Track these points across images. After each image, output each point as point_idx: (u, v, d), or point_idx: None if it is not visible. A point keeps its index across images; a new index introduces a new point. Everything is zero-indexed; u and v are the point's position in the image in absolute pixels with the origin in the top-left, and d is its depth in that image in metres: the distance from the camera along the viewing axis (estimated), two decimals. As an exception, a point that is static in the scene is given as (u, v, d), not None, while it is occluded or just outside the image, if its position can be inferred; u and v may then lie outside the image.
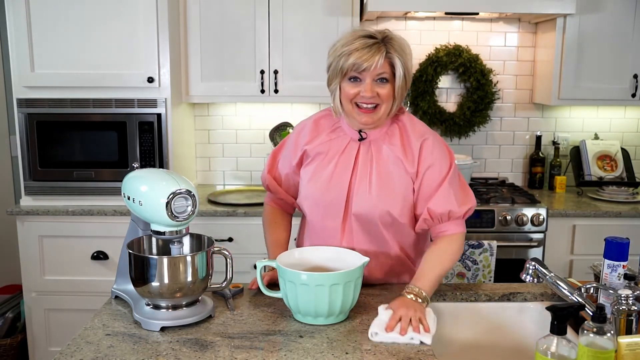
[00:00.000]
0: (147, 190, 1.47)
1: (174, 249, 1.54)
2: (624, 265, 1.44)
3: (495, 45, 3.37)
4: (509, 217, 2.87)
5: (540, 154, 3.38)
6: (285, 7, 2.98)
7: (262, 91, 3.04)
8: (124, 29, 2.77)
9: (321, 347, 1.36)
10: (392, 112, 1.66)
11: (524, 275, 1.69)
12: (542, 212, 2.88)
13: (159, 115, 2.83)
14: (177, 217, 1.45)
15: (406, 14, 3.23)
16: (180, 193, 1.44)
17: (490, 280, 2.77)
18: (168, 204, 1.43)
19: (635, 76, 3.05)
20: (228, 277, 1.58)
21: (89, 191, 2.87)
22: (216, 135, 3.42)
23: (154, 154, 2.84)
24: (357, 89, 1.61)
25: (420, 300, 1.47)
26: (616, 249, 1.43)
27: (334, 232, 1.71)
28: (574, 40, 3.02)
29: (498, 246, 2.78)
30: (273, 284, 1.65)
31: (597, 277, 1.64)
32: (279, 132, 3.33)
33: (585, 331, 1.17)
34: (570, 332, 1.33)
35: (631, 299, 1.31)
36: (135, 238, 1.59)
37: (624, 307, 1.31)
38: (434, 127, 3.34)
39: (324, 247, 1.65)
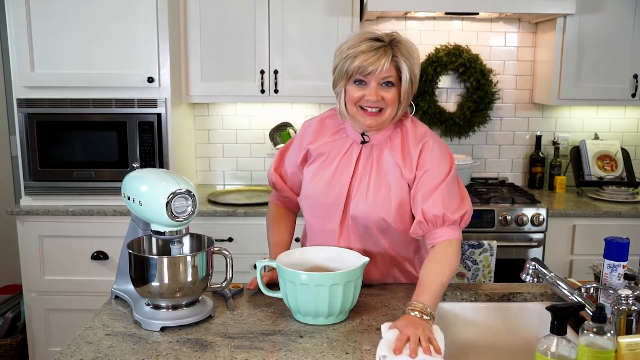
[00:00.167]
0: (147, 190, 1.47)
1: (174, 249, 1.54)
2: (624, 265, 1.43)
3: (495, 45, 3.37)
4: (509, 217, 2.87)
5: (540, 154, 3.38)
6: (285, 7, 2.98)
7: (262, 91, 3.04)
8: (124, 29, 2.77)
9: (321, 347, 1.36)
10: (397, 117, 1.64)
11: (524, 275, 1.69)
12: (542, 212, 2.88)
13: (159, 115, 2.83)
14: (177, 217, 1.45)
15: (406, 14, 3.23)
16: (180, 193, 1.44)
17: (490, 280, 2.77)
18: (168, 204, 1.43)
19: (635, 76, 3.05)
20: (228, 277, 1.58)
21: (89, 191, 2.87)
22: (216, 135, 3.42)
23: (154, 154, 2.84)
24: (362, 92, 1.59)
25: (426, 317, 1.39)
26: (616, 249, 1.43)
27: (332, 234, 1.71)
28: (574, 40, 3.02)
29: (498, 246, 2.78)
30: (273, 284, 1.65)
31: (597, 277, 1.64)
32: (279, 132, 3.33)
33: (585, 331, 1.17)
34: (570, 332, 1.33)
35: (631, 299, 1.31)
36: (135, 238, 1.59)
37: (624, 307, 1.31)
38: (433, 127, 3.34)
39: (324, 247, 1.65)
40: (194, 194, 1.47)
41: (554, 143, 3.40)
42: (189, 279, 1.47)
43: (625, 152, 3.35)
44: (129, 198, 1.51)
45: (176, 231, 1.50)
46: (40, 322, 2.93)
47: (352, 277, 1.46)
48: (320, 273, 1.44)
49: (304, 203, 1.76)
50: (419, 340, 1.30)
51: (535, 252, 2.89)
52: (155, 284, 1.45)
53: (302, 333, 1.44)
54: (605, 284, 1.45)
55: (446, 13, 3.15)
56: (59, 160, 2.86)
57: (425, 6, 2.93)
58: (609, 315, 1.28)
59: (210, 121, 3.40)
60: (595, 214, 2.91)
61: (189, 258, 1.47)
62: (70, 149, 2.86)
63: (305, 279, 1.43)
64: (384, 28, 3.28)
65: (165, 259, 1.45)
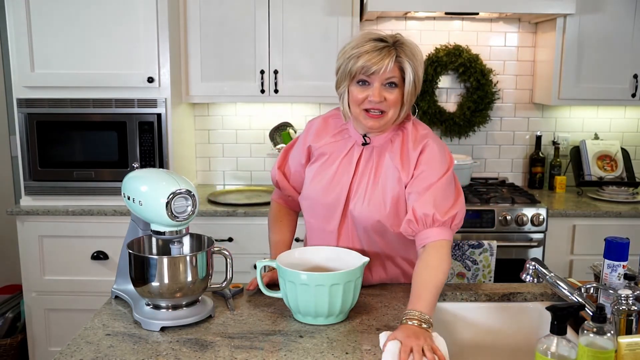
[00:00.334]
0: (147, 190, 1.47)
1: (174, 249, 1.54)
2: (624, 265, 1.43)
3: (495, 45, 3.37)
4: (509, 217, 2.87)
5: (540, 154, 3.38)
6: (285, 7, 2.98)
7: (262, 91, 3.04)
8: (124, 29, 2.77)
9: (321, 347, 1.36)
10: (399, 118, 1.64)
11: (524, 275, 1.69)
12: (542, 212, 2.88)
13: (159, 115, 2.83)
14: (177, 217, 1.45)
15: (406, 14, 3.23)
16: (180, 193, 1.44)
17: (490, 280, 2.77)
18: (168, 204, 1.43)
19: (635, 76, 3.05)
20: (228, 277, 1.58)
21: (89, 191, 2.87)
22: (216, 135, 3.42)
23: (154, 154, 2.84)
24: (365, 93, 1.58)
25: (424, 326, 1.36)
26: (616, 249, 1.43)
27: (332, 234, 1.71)
28: (574, 40, 3.02)
29: (498, 246, 2.78)
30: (273, 284, 1.65)
31: (597, 277, 1.64)
32: (279, 132, 3.33)
33: (585, 331, 1.17)
34: (570, 332, 1.33)
35: (631, 299, 1.31)
36: (135, 238, 1.59)
37: (624, 307, 1.31)
38: (433, 127, 3.34)
39: (324, 247, 1.65)
40: (194, 194, 1.47)
41: (554, 143, 3.40)
42: (189, 279, 1.47)
43: (625, 152, 3.35)
44: (129, 198, 1.51)
45: (176, 231, 1.50)
46: (40, 322, 2.93)
47: (352, 277, 1.46)
48: (320, 273, 1.44)
49: (305, 203, 1.76)
50: (423, 350, 1.28)
51: (535, 252, 2.89)
52: (155, 284, 1.45)
53: (302, 333, 1.44)
54: (605, 284, 1.45)
55: (446, 13, 3.15)
56: (59, 160, 2.86)
57: (425, 6, 2.93)
58: (609, 315, 1.28)
59: (210, 121, 3.40)
60: (595, 214, 2.91)
61: (189, 258, 1.47)
62: (70, 149, 2.86)
63: (305, 279, 1.43)
64: (384, 28, 3.28)
65: (165, 259, 1.45)
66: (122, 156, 2.85)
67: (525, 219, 2.87)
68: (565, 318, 1.16)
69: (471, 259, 2.73)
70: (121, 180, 1.58)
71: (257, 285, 1.59)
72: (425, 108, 3.32)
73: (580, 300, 1.48)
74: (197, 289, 1.50)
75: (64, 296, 2.90)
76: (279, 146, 3.31)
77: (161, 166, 2.86)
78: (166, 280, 1.45)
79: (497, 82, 3.37)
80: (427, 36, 3.34)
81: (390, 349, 1.30)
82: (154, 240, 1.60)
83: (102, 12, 2.76)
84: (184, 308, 1.50)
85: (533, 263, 1.68)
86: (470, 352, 1.70)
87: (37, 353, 2.96)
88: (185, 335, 1.42)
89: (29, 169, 2.86)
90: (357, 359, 1.32)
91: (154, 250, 1.61)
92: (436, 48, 3.32)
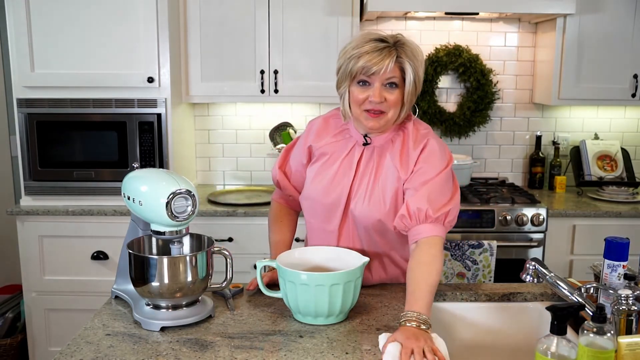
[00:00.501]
0: (147, 190, 1.47)
1: (174, 249, 1.54)
2: (624, 265, 1.43)
3: (495, 45, 3.37)
4: (509, 217, 2.87)
5: (540, 154, 3.38)
6: (285, 7, 2.98)
7: (262, 91, 3.04)
8: (124, 29, 2.77)
9: (321, 347, 1.36)
10: (400, 119, 1.64)
11: (524, 275, 1.69)
12: (542, 212, 2.88)
13: (159, 115, 2.83)
14: (177, 217, 1.45)
15: (406, 14, 3.23)
16: (180, 193, 1.44)
17: (490, 280, 2.77)
18: (168, 204, 1.43)
19: (635, 76, 3.05)
20: (228, 277, 1.58)
21: (89, 191, 2.87)
22: (216, 135, 3.42)
23: (154, 154, 2.84)
24: (365, 93, 1.58)
25: (423, 327, 1.36)
26: (616, 249, 1.43)
27: (332, 234, 1.71)
28: (574, 40, 3.02)
29: (498, 246, 2.78)
30: (273, 284, 1.65)
31: (597, 277, 1.64)
32: (279, 132, 3.33)
33: (585, 331, 1.17)
34: (570, 332, 1.33)
35: (631, 299, 1.31)
36: (135, 238, 1.59)
37: (624, 307, 1.31)
38: (434, 127, 3.34)
39: (324, 247, 1.65)
40: (194, 194, 1.47)
41: (554, 143, 3.40)
42: (189, 279, 1.47)
43: (625, 152, 3.35)
44: (129, 198, 1.51)
45: (176, 231, 1.50)
46: (40, 322, 2.93)
47: (352, 277, 1.46)
48: (320, 273, 1.44)
49: (305, 203, 1.76)
50: (423, 352, 1.28)
51: (535, 252, 2.89)
52: (155, 284, 1.45)
53: (302, 333, 1.44)
54: (605, 284, 1.45)
55: (446, 13, 3.15)
56: (59, 160, 2.86)
57: (425, 6, 2.93)
58: (609, 315, 1.28)
59: (210, 121, 3.40)
60: (595, 214, 2.91)
61: (189, 258, 1.47)
62: (70, 149, 2.86)
63: (305, 279, 1.43)
64: (384, 28, 3.28)
65: (165, 259, 1.45)
66: (122, 156, 2.85)
67: (525, 219, 2.87)
68: (565, 318, 1.16)
69: (471, 259, 2.73)
70: (121, 180, 1.58)
71: (257, 285, 1.59)
72: (425, 108, 3.32)
73: (580, 300, 1.48)
74: (197, 289, 1.50)
75: (64, 296, 2.90)
76: (279, 146, 3.31)
77: (161, 166, 2.86)
78: (166, 280, 1.45)
79: (497, 82, 3.37)
80: (427, 36, 3.34)
81: (390, 351, 1.30)
82: (154, 240, 1.60)
83: (102, 12, 2.76)
84: (184, 308, 1.50)
85: (533, 263, 1.68)
86: (470, 352, 1.70)
87: (37, 353, 2.96)
88: (185, 335, 1.43)
89: (29, 169, 2.86)
90: (357, 359, 1.32)
91: (154, 250, 1.61)
92: (436, 48, 3.32)
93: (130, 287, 1.56)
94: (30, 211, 2.83)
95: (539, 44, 3.33)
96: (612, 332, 1.17)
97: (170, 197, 1.43)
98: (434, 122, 3.35)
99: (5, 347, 3.01)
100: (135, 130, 2.83)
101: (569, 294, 1.53)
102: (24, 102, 2.81)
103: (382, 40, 1.57)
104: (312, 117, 1.86)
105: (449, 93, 3.41)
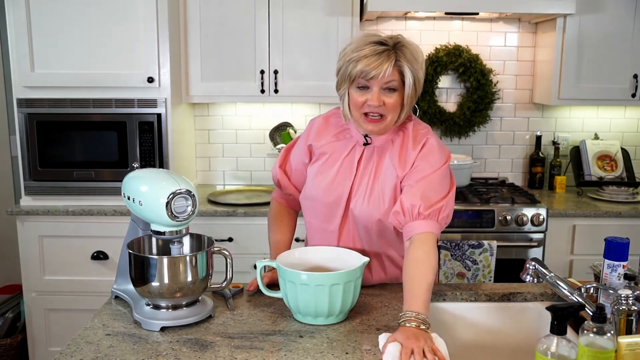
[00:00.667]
0: (147, 190, 1.48)
1: (174, 249, 1.54)
2: (624, 265, 1.43)
3: (495, 45, 3.37)
4: (509, 217, 2.87)
5: (540, 154, 3.38)
6: (285, 7, 2.98)
7: (262, 91, 3.04)
8: (124, 28, 2.77)
9: (321, 347, 1.36)
10: (399, 120, 1.64)
11: (524, 275, 1.69)
12: (542, 212, 2.88)
13: (159, 115, 2.83)
14: (177, 217, 1.45)
15: (406, 14, 3.23)
16: (180, 193, 1.44)
17: (490, 280, 2.77)
18: (168, 204, 1.43)
19: (635, 76, 3.05)
20: (228, 277, 1.58)
21: (89, 191, 2.87)
22: (216, 135, 3.42)
23: (154, 154, 2.84)
24: (365, 97, 1.58)
25: (423, 327, 1.36)
26: (616, 249, 1.43)
27: (332, 234, 1.71)
28: (574, 40, 3.02)
29: (498, 246, 2.78)
30: (273, 284, 1.65)
31: (597, 277, 1.64)
32: (279, 132, 3.33)
33: (585, 331, 1.17)
34: (570, 332, 1.33)
35: (631, 299, 1.31)
36: (135, 238, 1.59)
37: (624, 307, 1.31)
38: (434, 127, 3.34)
39: (324, 247, 1.65)
40: (194, 194, 1.47)
41: (554, 143, 3.40)
42: (189, 279, 1.47)
43: (625, 152, 3.35)
44: (129, 198, 1.51)
45: (176, 231, 1.50)
46: (40, 322, 2.93)
47: (352, 277, 1.46)
48: (320, 273, 1.44)
49: (306, 203, 1.76)
50: (424, 352, 1.29)
51: (535, 252, 2.89)
52: (155, 284, 1.45)
53: (302, 333, 1.44)
54: (605, 284, 1.45)
55: (446, 13, 3.15)
56: (59, 160, 2.86)
57: (425, 6, 2.93)
58: (609, 315, 1.28)
59: (210, 121, 3.40)
60: (595, 214, 2.91)
61: (189, 258, 1.47)
62: (70, 149, 2.86)
63: (305, 279, 1.43)
64: (384, 28, 3.28)
65: (165, 259, 1.45)
66: (122, 156, 2.85)
67: (525, 219, 2.87)
68: (565, 318, 1.16)
69: (471, 259, 2.73)
70: (121, 180, 1.58)
71: (257, 285, 1.59)
72: (425, 108, 3.32)
73: (580, 300, 1.48)
74: (197, 289, 1.50)
75: (64, 296, 2.90)
76: (279, 146, 3.31)
77: (161, 166, 2.86)
78: (166, 280, 1.45)
79: (497, 82, 3.37)
80: (427, 36, 3.34)
81: (390, 351, 1.30)
82: (154, 240, 1.60)
83: (102, 12, 2.76)
84: (184, 308, 1.50)
85: (533, 263, 1.68)
86: (470, 352, 1.70)
87: (37, 353, 2.96)
88: (185, 335, 1.43)
89: (29, 169, 2.86)
90: (357, 359, 1.32)
91: (154, 250, 1.61)
92: (436, 48, 3.32)
93: (130, 287, 1.56)
94: (30, 211, 2.83)
95: (539, 44, 3.33)
96: (612, 332, 1.17)
97: (170, 197, 1.43)
98: (434, 122, 3.36)
99: (5, 347, 3.01)
100: (135, 130, 2.83)
101: (569, 294, 1.53)
102: (24, 102, 2.81)
103: (381, 43, 1.56)
104: (312, 117, 1.86)
105: (449, 93, 3.41)
